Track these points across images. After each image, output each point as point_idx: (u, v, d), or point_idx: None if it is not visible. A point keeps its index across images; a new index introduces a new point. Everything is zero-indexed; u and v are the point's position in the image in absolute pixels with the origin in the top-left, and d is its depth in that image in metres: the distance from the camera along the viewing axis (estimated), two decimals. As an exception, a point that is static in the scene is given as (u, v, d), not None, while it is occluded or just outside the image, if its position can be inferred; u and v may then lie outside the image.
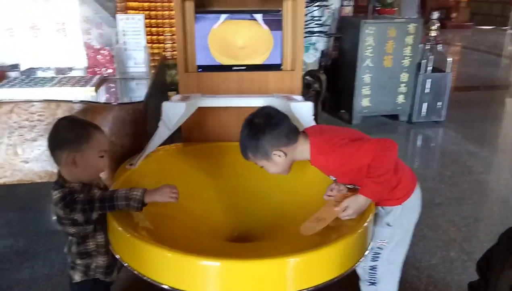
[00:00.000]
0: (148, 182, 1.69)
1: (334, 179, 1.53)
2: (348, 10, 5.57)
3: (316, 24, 4.08)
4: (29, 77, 2.29)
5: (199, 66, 1.97)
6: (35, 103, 1.91)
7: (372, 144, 1.37)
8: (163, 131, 1.72)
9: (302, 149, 1.44)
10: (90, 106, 1.93)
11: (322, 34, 4.22)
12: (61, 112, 1.92)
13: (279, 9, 1.95)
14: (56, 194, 1.36)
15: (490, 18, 13.50)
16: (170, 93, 3.78)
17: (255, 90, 1.94)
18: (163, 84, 3.24)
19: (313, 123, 1.79)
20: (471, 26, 13.38)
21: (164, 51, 3.77)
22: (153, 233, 1.41)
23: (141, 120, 1.94)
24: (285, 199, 1.70)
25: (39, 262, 2.28)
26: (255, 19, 1.94)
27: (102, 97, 2.07)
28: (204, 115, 1.95)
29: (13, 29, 2.44)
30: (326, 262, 1.24)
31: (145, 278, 1.26)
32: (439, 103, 4.34)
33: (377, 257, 1.58)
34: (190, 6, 1.88)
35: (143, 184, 1.66)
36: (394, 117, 4.47)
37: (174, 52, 3.85)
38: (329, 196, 1.50)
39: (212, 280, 1.21)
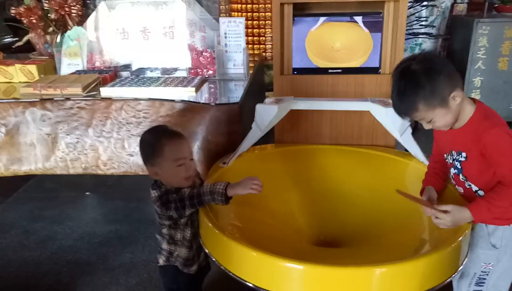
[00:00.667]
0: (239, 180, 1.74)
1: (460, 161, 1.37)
2: (461, 8, 5.16)
3: (421, 25, 3.85)
4: (138, 76, 2.47)
5: (294, 69, 1.96)
6: (141, 101, 2.07)
7: None
8: (255, 132, 1.75)
9: (465, 106, 1.29)
10: (189, 106, 2.04)
11: (427, 36, 3.97)
12: (164, 111, 2.05)
13: (380, 11, 1.88)
14: (153, 194, 1.45)
15: None
16: (268, 93, 3.84)
17: (350, 94, 1.89)
18: (260, 85, 3.30)
19: (409, 130, 1.69)
20: None
21: (264, 52, 3.84)
22: (241, 232, 1.44)
23: (236, 120, 1.99)
24: (375, 205, 1.64)
25: (138, 248, 2.46)
26: (354, 21, 1.88)
27: (202, 97, 2.16)
28: (297, 117, 1.95)
29: (128, 32, 2.66)
30: (411, 275, 1.17)
31: (230, 274, 1.29)
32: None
33: (482, 283, 1.43)
34: (288, 10, 1.89)
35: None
36: (509, 125, 4.04)
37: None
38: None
39: (295, 283, 1.20)
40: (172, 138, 1.45)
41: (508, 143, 1.26)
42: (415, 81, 1.22)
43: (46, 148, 2.09)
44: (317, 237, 1.66)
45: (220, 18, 2.54)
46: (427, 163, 1.64)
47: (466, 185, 1.39)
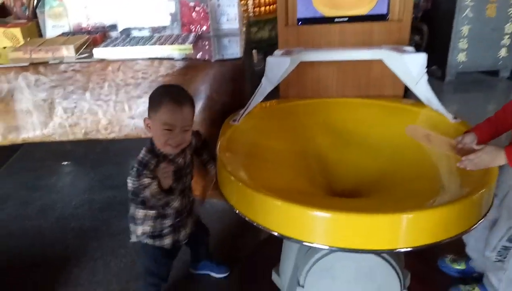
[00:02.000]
0: (250, 138, 1.71)
1: None
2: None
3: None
4: (129, 36, 2.37)
5: (299, 19, 1.90)
6: (139, 61, 1.99)
7: None
8: (266, 87, 1.71)
9: None
10: (190, 64, 1.97)
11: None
12: (163, 70, 1.98)
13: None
14: (139, 156, 1.45)
15: None
16: (253, 51, 3.77)
17: (358, 44, 1.85)
18: (249, 42, 3.23)
19: (425, 78, 1.67)
20: None
21: (247, 7, 3.72)
22: (260, 184, 1.42)
23: (240, 77, 1.95)
24: (393, 154, 1.63)
25: (141, 212, 2.43)
26: (360, -35, 1.82)
27: (199, 54, 2.09)
28: (303, 70, 1.90)
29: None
30: (437, 222, 1.17)
31: (255, 224, 1.29)
32: None
33: None
34: (291, -44, 1.81)
35: (245, 140, 1.69)
36: (494, 73, 4.11)
37: (256, 9, 3.80)
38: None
39: (322, 231, 1.21)
40: (173, 102, 1.38)
41: None
42: None
43: (43, 114, 2.01)
44: (334, 189, 1.66)
45: (211, -30, 2.42)
46: (444, 111, 1.64)
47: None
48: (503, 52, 3.95)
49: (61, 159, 3.11)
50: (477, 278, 1.70)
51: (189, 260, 1.93)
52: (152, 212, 1.53)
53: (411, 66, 1.63)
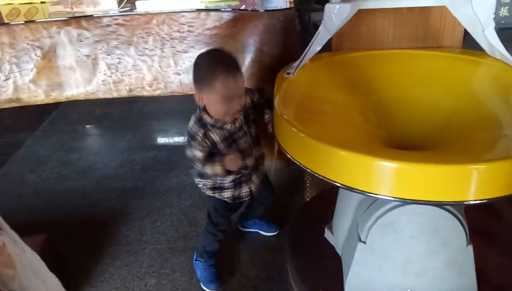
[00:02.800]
0: (306, 91, 1.64)
1: None
2: None
3: None
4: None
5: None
6: (184, 14, 1.90)
7: None
8: (323, 36, 1.62)
9: None
10: (239, 15, 1.88)
11: None
12: (210, 23, 1.90)
13: None
14: (188, 126, 1.44)
15: None
16: None
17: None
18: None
19: (493, 24, 1.56)
20: None
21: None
22: (323, 135, 1.37)
23: (291, 28, 1.86)
24: (461, 108, 1.56)
25: (183, 172, 2.40)
26: None
27: (246, 4, 1.99)
28: (356, 20, 1.80)
29: None
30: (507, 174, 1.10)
31: (316, 175, 1.24)
32: None
33: None
34: None
35: (301, 94, 1.63)
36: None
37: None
38: None
39: (387, 182, 1.16)
40: (227, 73, 1.33)
41: None
42: None
43: (86, 70, 1.96)
44: (395, 143, 1.59)
45: None
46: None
47: None
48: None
49: (97, 120, 3.08)
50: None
51: (237, 217, 1.91)
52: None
53: (478, 11, 1.52)
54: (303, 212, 2.02)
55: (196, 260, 1.73)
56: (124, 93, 2.00)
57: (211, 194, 1.56)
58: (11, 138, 2.88)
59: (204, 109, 1.42)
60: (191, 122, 1.44)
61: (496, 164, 1.10)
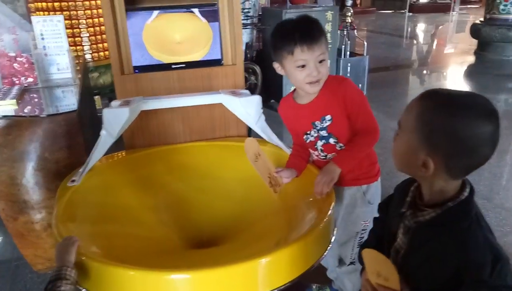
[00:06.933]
0: (94, 199, 1.56)
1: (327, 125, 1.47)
2: (263, 1, 5.60)
3: (246, 16, 4.05)
4: None
5: (136, 67, 1.84)
6: None
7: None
8: (106, 140, 1.58)
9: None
10: (14, 122, 1.75)
11: (249, 27, 4.19)
12: (-19, 130, 1.70)
13: (215, 2, 1.88)
14: None
15: (390, 3, 14.55)
16: (95, 98, 3.55)
17: (198, 88, 1.86)
18: (89, 89, 3.04)
19: (263, 118, 1.76)
20: (374, 11, 14.35)
21: (83, 53, 3.51)
22: (110, 252, 1.29)
23: (76, 131, 1.78)
24: (245, 195, 1.66)
25: None
26: (191, 11, 1.85)
27: (27, 110, 1.87)
28: (146, 118, 1.83)
29: None
30: (286, 262, 1.19)
31: None
32: (360, 85, 4.53)
33: (362, 239, 1.55)
34: (120, 4, 1.74)
35: (89, 202, 1.53)
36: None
37: (95, 54, 3.62)
38: None
39: None
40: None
41: (359, 91, 1.48)
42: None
43: None
44: (192, 239, 1.60)
45: (32, 17, 2.22)
46: (283, 146, 1.73)
47: (337, 147, 1.47)
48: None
49: None
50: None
51: None
52: None
53: (248, 108, 1.70)
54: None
55: None
56: None
57: None
58: None
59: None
60: None
61: (278, 253, 1.15)
